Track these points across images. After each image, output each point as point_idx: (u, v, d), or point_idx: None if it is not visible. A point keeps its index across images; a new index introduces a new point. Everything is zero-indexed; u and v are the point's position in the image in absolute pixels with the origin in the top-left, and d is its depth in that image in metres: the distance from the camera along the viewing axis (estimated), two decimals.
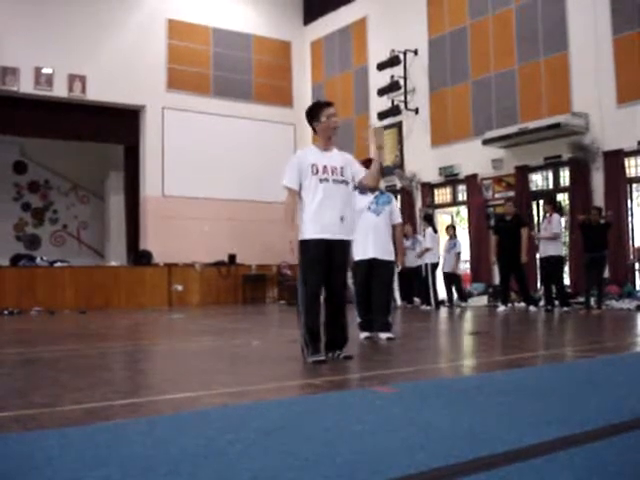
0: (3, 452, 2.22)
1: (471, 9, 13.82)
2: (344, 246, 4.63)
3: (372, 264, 6.00)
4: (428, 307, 11.78)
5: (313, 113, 4.72)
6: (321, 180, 4.55)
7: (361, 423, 2.54)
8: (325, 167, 4.58)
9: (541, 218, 10.85)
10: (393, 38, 15.23)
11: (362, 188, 5.44)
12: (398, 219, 6.33)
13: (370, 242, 5.99)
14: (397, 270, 6.23)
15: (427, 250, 11.96)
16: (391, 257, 6.08)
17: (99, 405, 3.05)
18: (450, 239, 12.39)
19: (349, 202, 4.67)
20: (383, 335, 5.87)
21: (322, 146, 4.71)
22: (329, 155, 4.67)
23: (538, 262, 11.81)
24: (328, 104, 4.77)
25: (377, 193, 6.15)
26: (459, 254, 12.34)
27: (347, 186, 4.66)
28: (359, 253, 6.03)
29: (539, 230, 11.21)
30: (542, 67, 12.39)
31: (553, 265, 10.18)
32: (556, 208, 10.49)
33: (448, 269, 12.14)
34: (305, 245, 4.51)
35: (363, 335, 6.00)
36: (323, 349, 4.49)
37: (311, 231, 4.51)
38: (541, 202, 12.66)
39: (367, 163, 4.89)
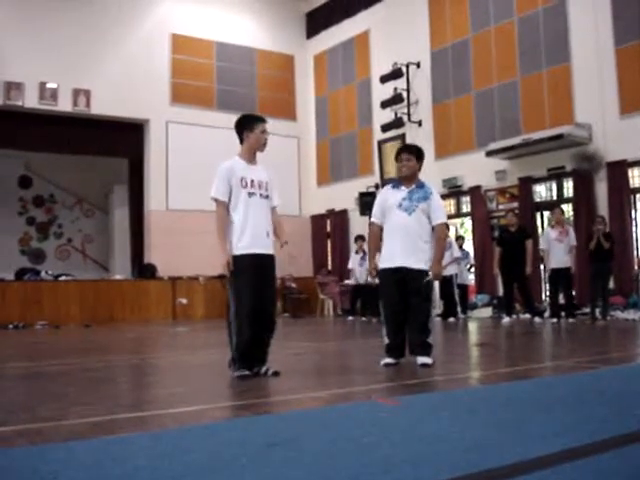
0: (8, 466, 2.22)
1: (473, 22, 13.87)
2: (273, 261, 4.62)
3: (403, 274, 4.90)
4: (452, 319, 11.56)
5: (248, 122, 4.68)
6: (250, 194, 4.55)
7: (366, 436, 2.53)
8: (253, 181, 4.59)
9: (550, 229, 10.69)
10: (396, 51, 15.29)
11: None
12: (439, 219, 4.99)
13: (398, 247, 4.92)
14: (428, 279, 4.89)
15: (456, 260, 11.93)
16: (424, 265, 4.91)
17: (104, 419, 3.05)
18: (460, 249, 12.51)
19: (270, 218, 4.66)
20: (420, 359, 4.84)
21: (248, 159, 4.67)
22: (255, 169, 4.66)
23: (543, 273, 11.78)
24: (264, 120, 4.74)
25: (413, 186, 5.01)
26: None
27: (269, 201, 4.66)
28: (385, 260, 5.03)
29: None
30: (545, 78, 12.41)
31: (566, 276, 10.11)
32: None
33: (461, 280, 12.29)
34: (239, 261, 4.44)
35: (385, 361, 4.89)
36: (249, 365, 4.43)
37: (244, 246, 4.47)
38: (545, 213, 12.64)
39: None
